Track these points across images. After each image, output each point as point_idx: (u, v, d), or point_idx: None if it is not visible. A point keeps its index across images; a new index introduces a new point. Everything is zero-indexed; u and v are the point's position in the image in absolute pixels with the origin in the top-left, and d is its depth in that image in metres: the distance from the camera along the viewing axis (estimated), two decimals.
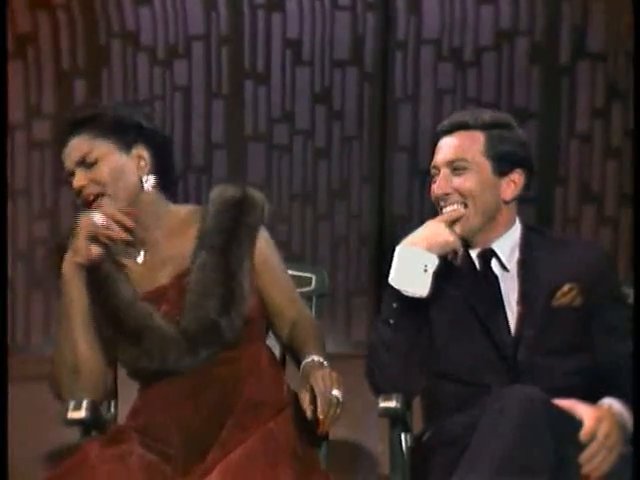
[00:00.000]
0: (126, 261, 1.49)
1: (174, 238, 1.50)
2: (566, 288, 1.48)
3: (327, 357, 1.48)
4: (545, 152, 3.75)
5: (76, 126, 1.45)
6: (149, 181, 1.46)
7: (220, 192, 1.53)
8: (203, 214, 1.51)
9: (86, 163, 1.43)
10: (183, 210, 1.54)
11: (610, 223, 3.83)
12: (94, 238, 1.41)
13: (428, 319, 1.44)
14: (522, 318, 1.48)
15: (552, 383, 1.38)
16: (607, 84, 3.75)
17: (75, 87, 3.82)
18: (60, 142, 1.47)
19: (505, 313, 1.49)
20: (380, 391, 1.45)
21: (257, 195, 1.54)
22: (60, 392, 1.45)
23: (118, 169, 1.44)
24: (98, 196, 1.43)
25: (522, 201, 1.57)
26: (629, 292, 1.56)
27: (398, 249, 1.45)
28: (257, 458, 1.30)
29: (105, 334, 1.45)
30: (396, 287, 1.42)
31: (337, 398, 1.34)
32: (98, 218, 1.40)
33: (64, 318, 1.44)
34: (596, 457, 1.25)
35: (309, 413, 1.34)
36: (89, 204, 1.43)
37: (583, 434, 1.26)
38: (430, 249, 1.42)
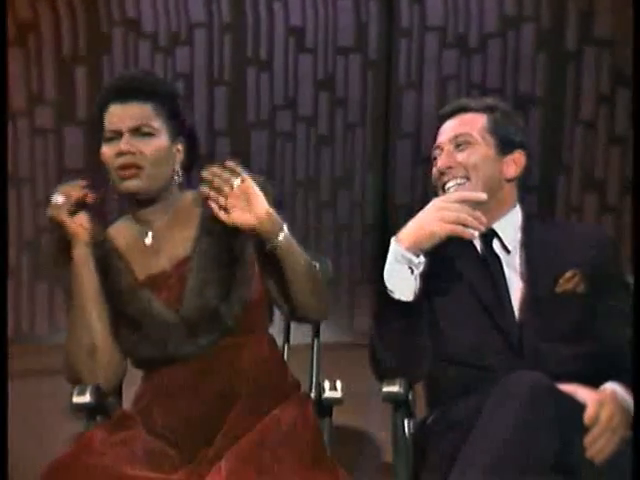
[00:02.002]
0: (135, 241, 1.50)
1: (179, 223, 1.51)
2: (569, 274, 1.47)
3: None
4: (549, 139, 3.73)
5: (134, 91, 1.43)
6: (179, 177, 1.49)
7: None
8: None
9: (141, 132, 1.42)
10: (189, 195, 1.55)
11: (613, 211, 3.82)
12: (73, 212, 1.42)
13: (420, 311, 1.42)
14: (526, 303, 1.47)
15: (556, 368, 1.37)
16: (613, 70, 3.73)
17: (76, 74, 3.81)
18: (107, 102, 1.43)
19: (509, 297, 1.48)
20: (382, 377, 1.45)
21: (257, 180, 1.53)
22: (80, 377, 1.44)
23: (163, 152, 1.44)
24: (137, 167, 1.41)
25: (524, 188, 1.57)
26: (630, 280, 1.55)
27: (392, 243, 1.40)
28: (264, 446, 1.29)
29: None
30: (386, 286, 1.39)
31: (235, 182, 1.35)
32: (58, 198, 1.40)
33: (77, 301, 1.44)
34: (599, 440, 1.25)
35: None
36: (125, 169, 1.41)
37: (586, 418, 1.26)
38: (415, 246, 1.37)
